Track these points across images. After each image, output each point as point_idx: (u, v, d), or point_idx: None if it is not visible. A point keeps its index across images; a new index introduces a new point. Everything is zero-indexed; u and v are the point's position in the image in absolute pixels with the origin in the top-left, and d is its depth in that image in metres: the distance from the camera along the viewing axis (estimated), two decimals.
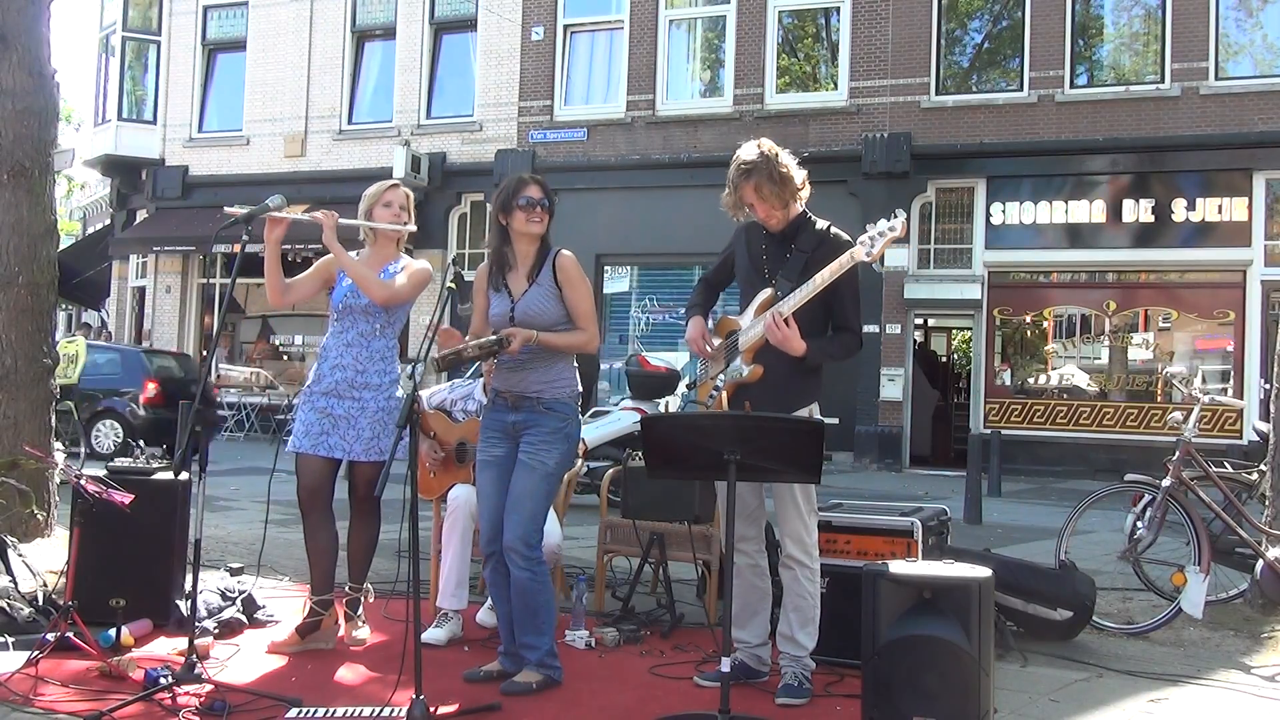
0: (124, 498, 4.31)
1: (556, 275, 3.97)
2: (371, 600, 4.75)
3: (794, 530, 3.93)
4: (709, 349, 4.12)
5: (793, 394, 3.92)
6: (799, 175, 3.98)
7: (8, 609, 4.24)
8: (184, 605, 4.43)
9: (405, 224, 4.49)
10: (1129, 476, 5.58)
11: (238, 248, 4.10)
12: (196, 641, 3.79)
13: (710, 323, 4.33)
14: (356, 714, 3.49)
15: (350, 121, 18.66)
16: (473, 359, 3.97)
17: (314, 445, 4.32)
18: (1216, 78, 14.16)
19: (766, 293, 3.95)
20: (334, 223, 4.27)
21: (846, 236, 3.99)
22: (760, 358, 3.90)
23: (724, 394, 3.98)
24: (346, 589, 4.55)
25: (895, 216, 3.71)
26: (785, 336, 3.76)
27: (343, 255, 4.32)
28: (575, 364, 4.11)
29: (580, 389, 4.09)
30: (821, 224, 4.02)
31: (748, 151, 3.99)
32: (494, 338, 3.83)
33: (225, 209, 4.28)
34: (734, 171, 4.00)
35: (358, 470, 4.44)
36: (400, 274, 4.42)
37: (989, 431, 13.02)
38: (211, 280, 19.85)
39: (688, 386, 12.32)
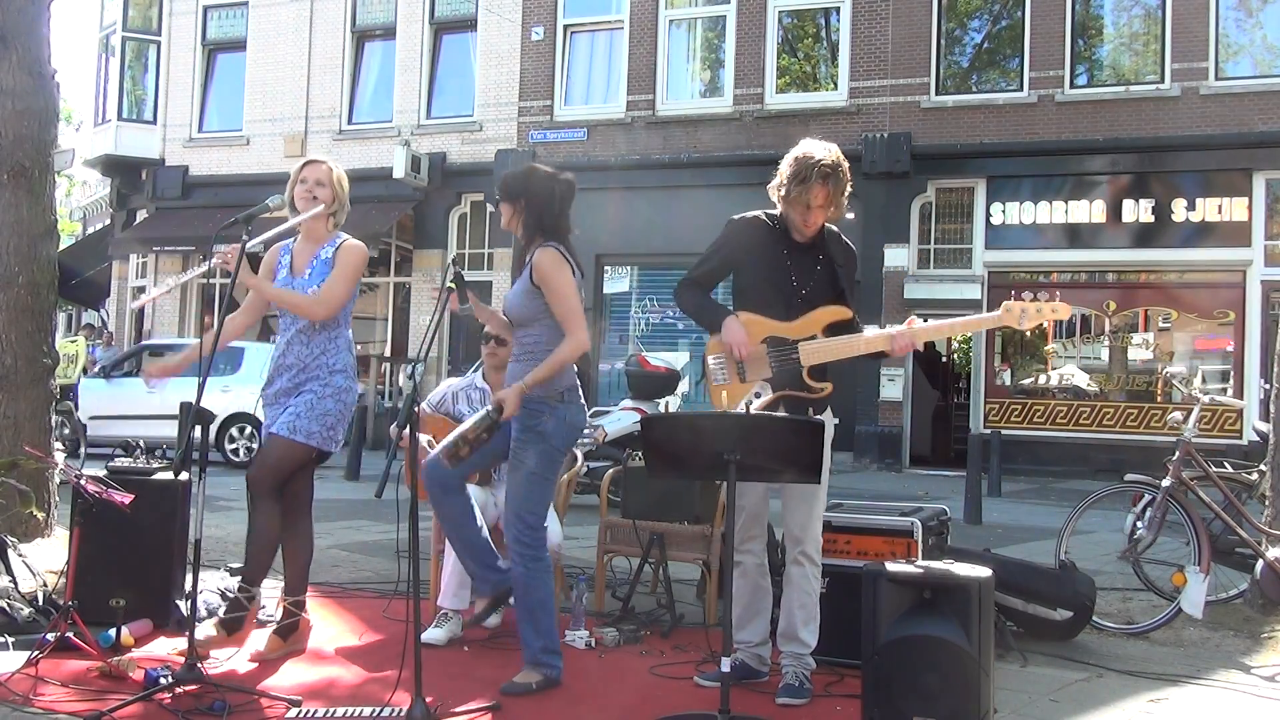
0: (124, 498, 4.31)
1: (532, 273, 3.91)
2: (260, 610, 4.49)
3: (813, 531, 3.94)
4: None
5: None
6: None
7: (8, 609, 4.23)
8: (184, 605, 4.42)
9: (317, 204, 4.17)
10: (1129, 476, 5.58)
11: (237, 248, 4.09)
12: (196, 641, 3.78)
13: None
14: (356, 714, 3.50)
15: (350, 121, 18.65)
16: (477, 438, 3.73)
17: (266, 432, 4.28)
18: (1216, 78, 14.16)
19: (843, 311, 3.95)
20: (235, 256, 3.99)
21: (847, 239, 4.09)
22: (824, 374, 3.94)
23: (762, 402, 3.86)
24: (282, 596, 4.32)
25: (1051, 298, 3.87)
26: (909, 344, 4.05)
27: (265, 288, 4.23)
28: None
29: (570, 384, 3.92)
30: (833, 229, 4.02)
31: (825, 152, 3.79)
32: (487, 411, 3.74)
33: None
34: (809, 169, 3.75)
35: (267, 444, 4.20)
36: (332, 272, 4.21)
37: (989, 431, 13.00)
38: (211, 280, 19.79)
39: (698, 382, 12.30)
